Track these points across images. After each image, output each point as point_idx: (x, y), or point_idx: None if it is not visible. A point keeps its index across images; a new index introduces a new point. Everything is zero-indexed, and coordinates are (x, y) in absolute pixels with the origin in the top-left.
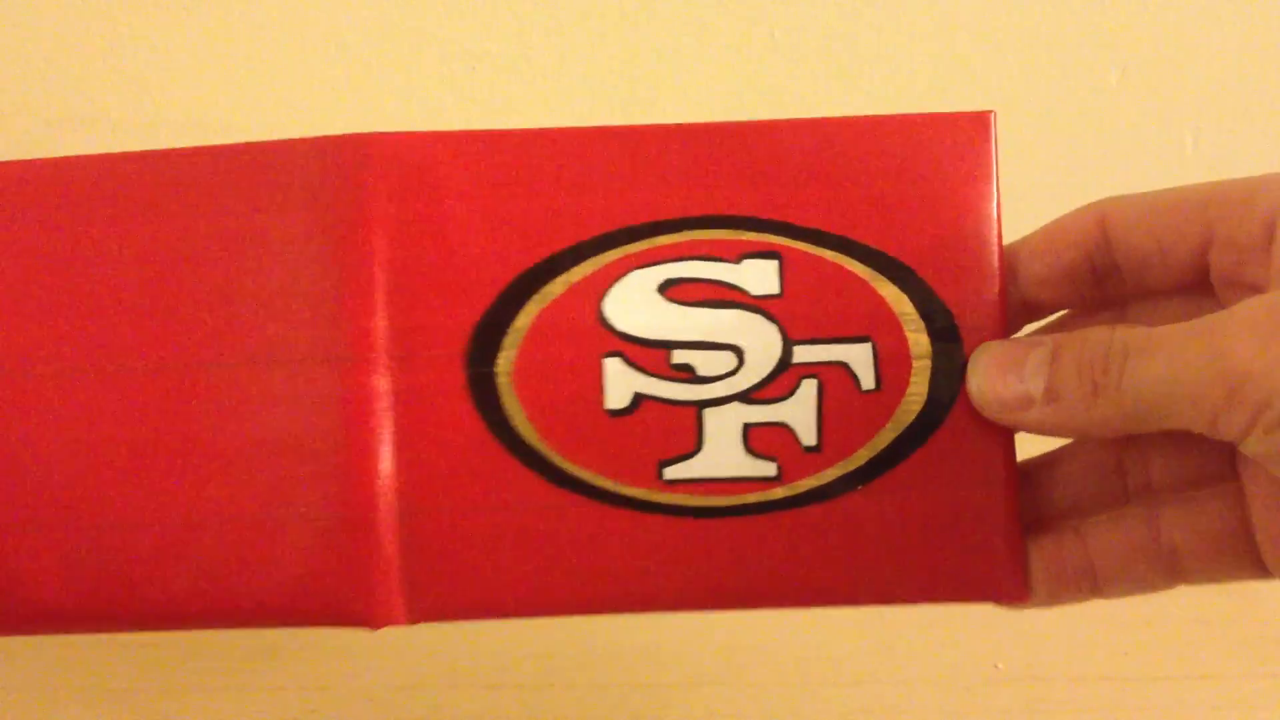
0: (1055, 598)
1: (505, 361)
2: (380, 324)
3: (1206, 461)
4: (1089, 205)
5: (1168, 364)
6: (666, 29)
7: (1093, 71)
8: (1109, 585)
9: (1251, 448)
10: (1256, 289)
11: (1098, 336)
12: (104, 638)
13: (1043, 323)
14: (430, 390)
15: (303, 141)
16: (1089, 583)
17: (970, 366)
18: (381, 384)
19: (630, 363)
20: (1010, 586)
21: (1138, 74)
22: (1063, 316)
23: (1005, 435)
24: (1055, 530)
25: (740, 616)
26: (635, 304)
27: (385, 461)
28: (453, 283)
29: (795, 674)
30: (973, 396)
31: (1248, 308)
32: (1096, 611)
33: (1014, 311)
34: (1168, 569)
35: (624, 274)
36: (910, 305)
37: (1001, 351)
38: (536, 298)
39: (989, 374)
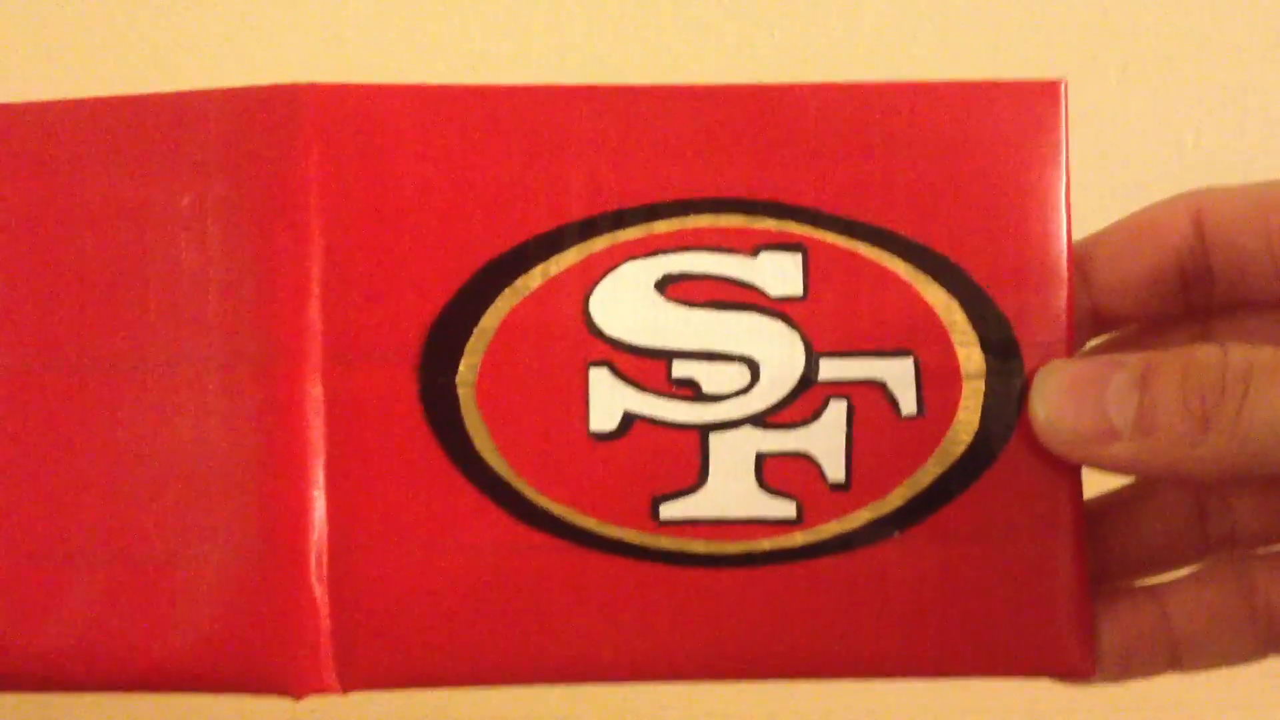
0: (1127, 671)
1: (468, 370)
2: (314, 319)
3: None
4: (1180, 196)
5: None
6: (667, 28)
7: (1093, 71)
8: (1192, 656)
9: None
10: None
11: (1208, 356)
12: None
13: (1105, 338)
14: (374, 402)
15: (220, 93)
16: (1167, 653)
17: (1035, 390)
18: (314, 392)
19: (621, 375)
20: (1076, 659)
21: (1138, 74)
22: (1130, 331)
23: (1073, 475)
24: (1128, 590)
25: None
26: (628, 303)
27: (316, 489)
28: (404, 270)
29: None
30: (1038, 427)
31: None
32: None
33: (1082, 323)
34: (1264, 637)
35: (615, 266)
36: (961, 313)
37: (1077, 372)
38: (508, 292)
39: (1061, 400)
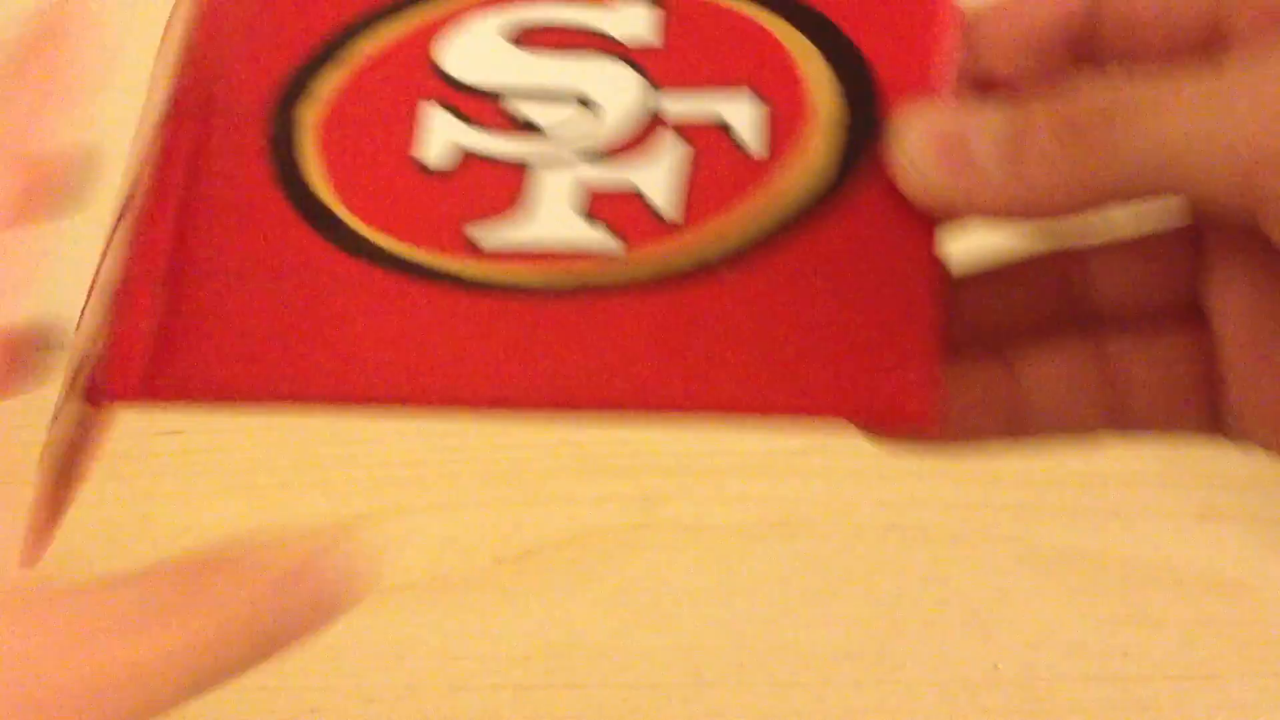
0: (972, 431)
1: (311, 112)
2: (187, 78)
3: (1171, 284)
4: None
5: (1171, 134)
6: None
7: None
8: (1038, 421)
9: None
10: None
11: (1091, 91)
12: None
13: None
14: (229, 145)
15: None
16: (1015, 417)
17: (896, 137)
18: (183, 144)
19: (455, 111)
20: (917, 410)
21: None
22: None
23: (927, 226)
24: (979, 353)
25: (740, 617)
26: (477, 51)
27: (168, 223)
28: (271, 26)
29: (795, 674)
30: (901, 175)
31: (1273, 65)
32: (1096, 611)
33: (962, 84)
34: (1111, 409)
35: (470, 15)
36: (821, 60)
37: (943, 118)
38: (363, 40)
39: (925, 145)
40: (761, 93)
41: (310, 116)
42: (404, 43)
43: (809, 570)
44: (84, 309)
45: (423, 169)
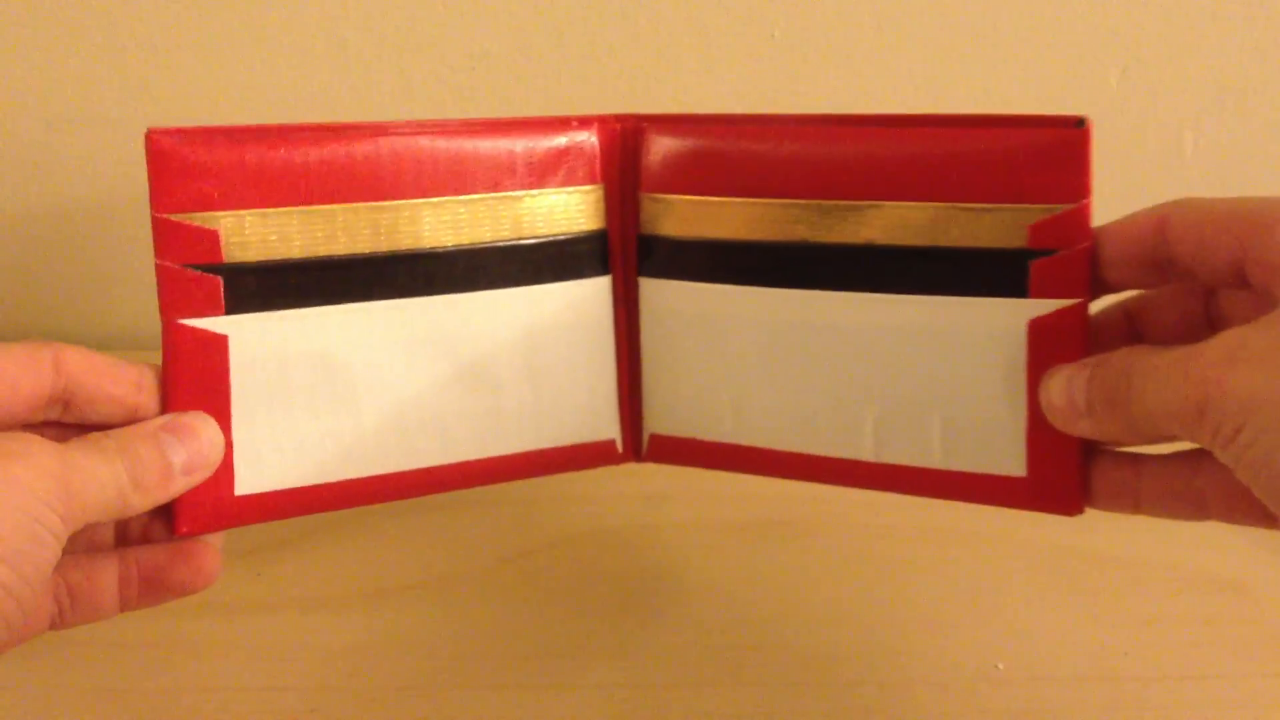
0: (1104, 505)
1: None
2: None
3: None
4: (1159, 205)
5: (1158, 388)
6: (665, 26)
7: (1093, 71)
8: (1149, 508)
9: (1220, 458)
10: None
11: (1116, 360)
12: (101, 638)
13: (1114, 298)
14: None
15: None
16: (1132, 504)
17: (1042, 384)
18: None
19: None
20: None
21: (1138, 74)
22: (1134, 296)
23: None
24: (1114, 454)
25: (740, 617)
26: None
27: None
28: None
29: (795, 674)
30: (1044, 407)
31: (1223, 339)
32: (1096, 611)
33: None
34: (1196, 507)
35: None
36: None
37: (1065, 373)
38: None
39: (1048, 393)
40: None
41: None
42: None
43: (809, 570)
44: None
45: None
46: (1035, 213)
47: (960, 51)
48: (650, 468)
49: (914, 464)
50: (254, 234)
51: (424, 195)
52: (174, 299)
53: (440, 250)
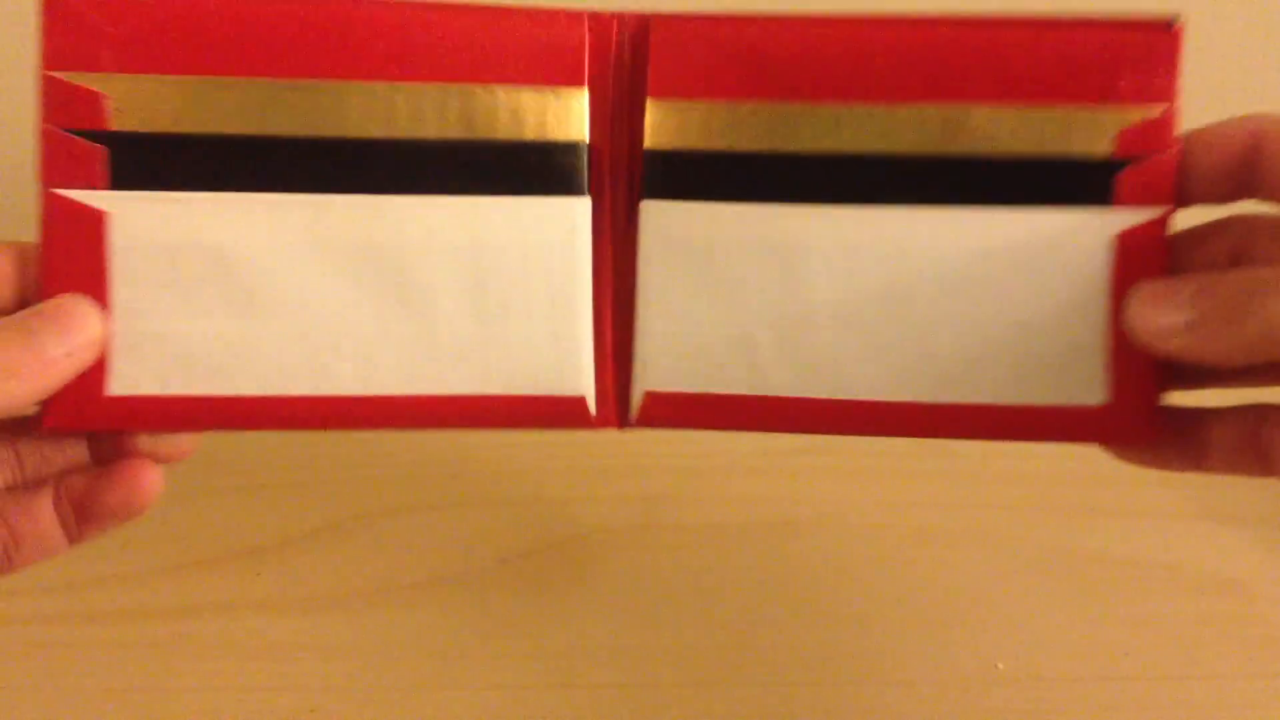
0: (1161, 460)
1: None
2: None
3: None
4: (1251, 116)
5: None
6: None
7: None
8: (1211, 462)
9: None
10: None
11: (1234, 276)
12: (102, 638)
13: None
14: None
15: None
16: (1196, 455)
17: (1134, 298)
18: None
19: None
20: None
21: None
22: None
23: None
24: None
25: (740, 617)
26: None
27: None
28: None
29: (795, 674)
30: (1127, 323)
31: None
32: (1096, 611)
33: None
34: (1264, 461)
35: None
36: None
37: (1156, 288)
38: None
39: (1143, 306)
40: None
41: None
42: None
43: (809, 570)
44: None
45: None
46: (1120, 118)
47: None
48: (651, 457)
49: (979, 401)
50: (149, 102)
51: (356, 77)
52: (53, 166)
53: (369, 140)
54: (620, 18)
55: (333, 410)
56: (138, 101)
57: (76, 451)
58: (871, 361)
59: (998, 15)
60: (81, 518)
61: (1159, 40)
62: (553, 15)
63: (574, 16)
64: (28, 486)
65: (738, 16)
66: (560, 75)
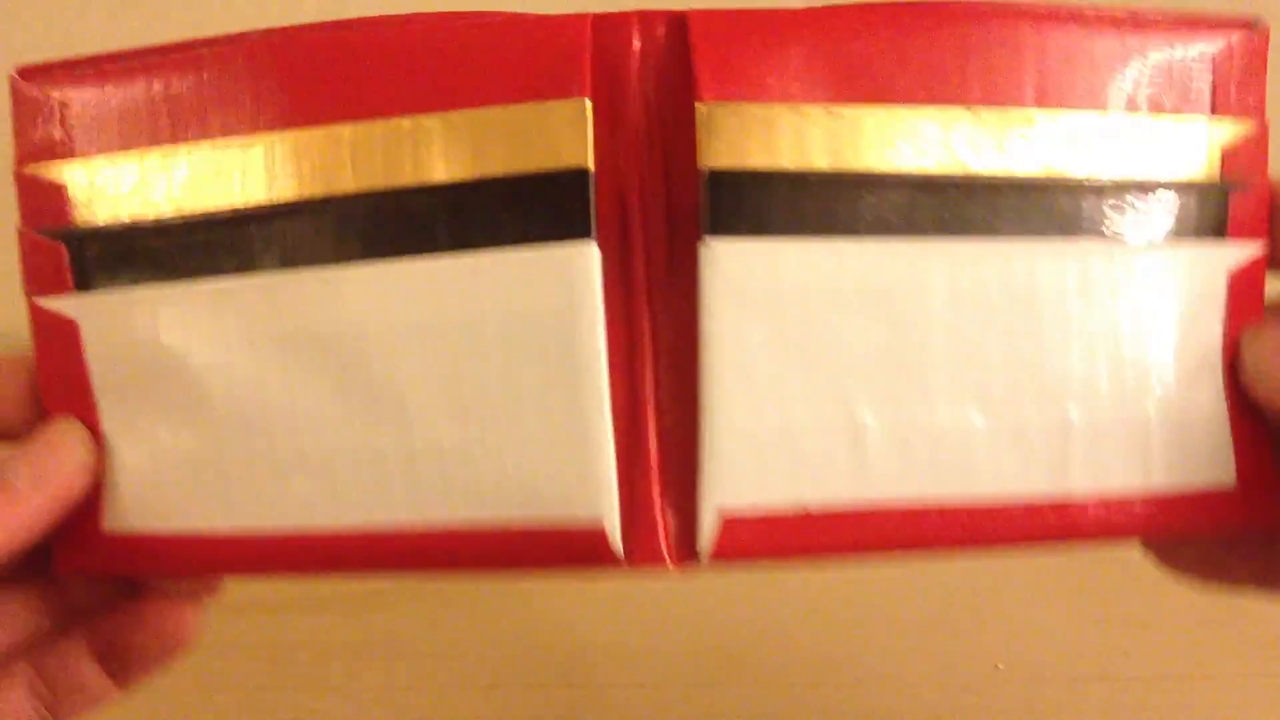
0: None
1: None
2: None
3: None
4: None
5: None
6: None
7: None
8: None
9: None
10: None
11: None
12: None
13: None
14: None
15: None
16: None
17: (1254, 345)
18: None
19: None
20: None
21: None
22: None
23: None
24: None
25: (740, 617)
26: None
27: None
28: None
29: (795, 674)
30: (1245, 373)
31: None
32: (1097, 611)
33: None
34: None
35: None
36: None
37: (1270, 332)
38: None
39: (1266, 357)
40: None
41: None
42: None
43: (810, 570)
44: None
45: None
46: (1220, 134)
47: None
48: None
49: (1125, 490)
50: (104, 186)
51: (278, 126)
52: (30, 272)
53: (298, 203)
54: (642, 15)
55: (304, 551)
56: (95, 187)
57: (107, 589)
58: (1004, 444)
59: (1069, 9)
60: (119, 663)
61: (1246, 43)
62: (541, 20)
63: (574, 17)
64: (62, 633)
65: (790, 10)
66: (552, 86)
